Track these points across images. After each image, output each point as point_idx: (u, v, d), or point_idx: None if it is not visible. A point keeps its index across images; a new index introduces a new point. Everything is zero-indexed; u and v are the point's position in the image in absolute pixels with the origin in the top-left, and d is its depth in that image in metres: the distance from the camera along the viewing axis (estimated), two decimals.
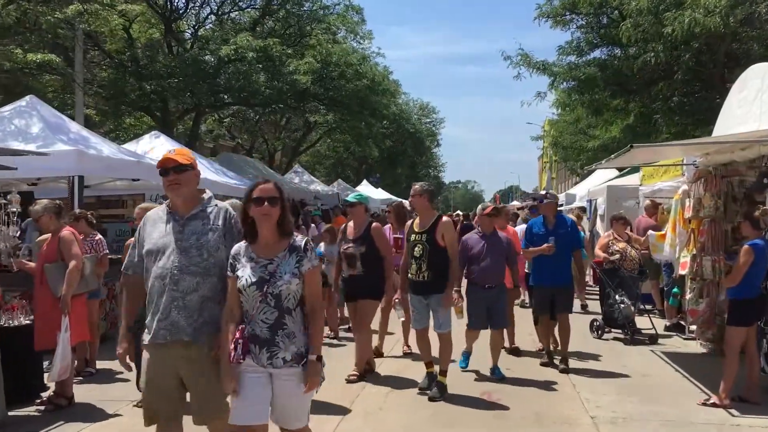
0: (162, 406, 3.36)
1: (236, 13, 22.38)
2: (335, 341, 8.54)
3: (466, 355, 7.03)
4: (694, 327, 8.12)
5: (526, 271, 7.78)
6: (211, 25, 21.60)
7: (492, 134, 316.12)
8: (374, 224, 6.73)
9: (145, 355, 3.41)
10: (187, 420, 3.44)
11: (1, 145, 7.70)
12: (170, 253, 3.31)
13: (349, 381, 6.43)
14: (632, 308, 8.48)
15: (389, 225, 8.25)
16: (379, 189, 30.94)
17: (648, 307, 9.79)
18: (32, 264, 6.30)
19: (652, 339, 8.50)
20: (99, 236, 7.18)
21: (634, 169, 12.58)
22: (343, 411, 5.56)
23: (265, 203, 3.16)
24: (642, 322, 8.82)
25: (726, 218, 7.45)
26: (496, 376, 6.65)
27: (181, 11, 20.80)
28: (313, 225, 14.48)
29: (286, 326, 3.15)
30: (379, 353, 7.50)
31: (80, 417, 5.44)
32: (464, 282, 6.66)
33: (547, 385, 6.46)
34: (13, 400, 5.58)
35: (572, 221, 7.61)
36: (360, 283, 6.50)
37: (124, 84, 17.71)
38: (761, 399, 5.75)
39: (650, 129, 16.90)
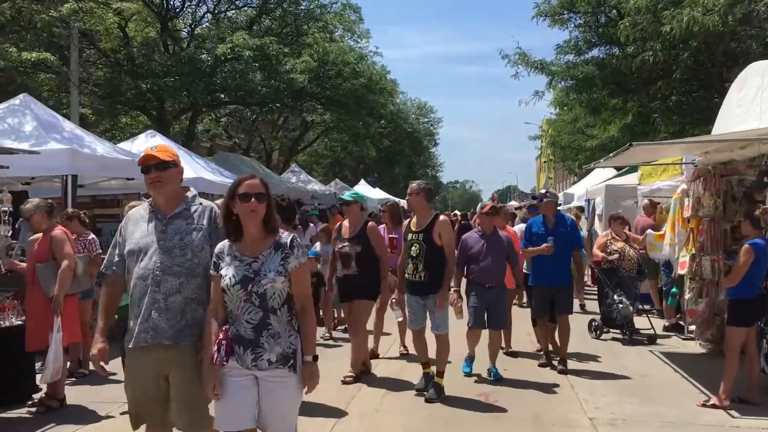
0: (147, 412, 3.27)
1: (233, 11, 22.34)
2: (331, 342, 8.47)
3: (470, 360, 6.87)
4: (693, 327, 8.08)
5: (525, 271, 7.72)
6: (207, 23, 21.56)
7: (492, 134, 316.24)
8: (370, 224, 6.66)
9: (129, 359, 3.32)
10: None
11: None
12: (152, 253, 3.22)
13: (345, 382, 6.36)
14: (631, 308, 8.42)
15: (384, 225, 8.17)
16: (377, 189, 30.90)
17: (646, 307, 9.75)
18: (23, 264, 6.24)
19: (651, 339, 8.45)
20: (92, 236, 7.12)
21: (633, 169, 12.54)
22: (338, 413, 5.50)
23: (252, 199, 3.05)
24: (640, 322, 8.76)
25: (725, 217, 7.41)
26: (494, 376, 6.59)
27: (177, 10, 20.74)
28: (312, 225, 14.41)
29: (270, 326, 3.04)
30: (374, 354, 7.43)
31: (72, 419, 5.37)
32: (464, 281, 6.60)
33: (546, 387, 6.39)
34: (4, 401, 5.53)
35: (572, 220, 7.54)
36: (355, 283, 6.42)
37: (120, 83, 17.64)
38: (761, 400, 5.70)
39: (648, 128, 16.87)
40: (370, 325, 7.00)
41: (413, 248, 5.95)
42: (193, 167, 11.95)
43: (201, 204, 3.38)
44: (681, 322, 8.97)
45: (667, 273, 9.12)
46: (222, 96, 19.93)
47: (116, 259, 3.39)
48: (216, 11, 21.60)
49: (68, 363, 6.15)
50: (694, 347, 8.10)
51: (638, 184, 11.62)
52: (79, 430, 5.15)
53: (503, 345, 7.42)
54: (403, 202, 12.32)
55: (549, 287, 6.98)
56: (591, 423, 5.33)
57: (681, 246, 8.01)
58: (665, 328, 9.13)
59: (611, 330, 8.82)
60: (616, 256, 8.60)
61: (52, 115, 9.52)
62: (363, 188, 26.54)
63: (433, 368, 6.09)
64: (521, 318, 8.48)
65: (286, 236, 3.16)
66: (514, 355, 7.69)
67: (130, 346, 3.25)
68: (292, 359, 3.05)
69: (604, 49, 17.58)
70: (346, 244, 6.47)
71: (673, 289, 8.93)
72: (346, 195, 7.00)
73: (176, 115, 21.05)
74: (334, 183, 27.49)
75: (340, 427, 5.20)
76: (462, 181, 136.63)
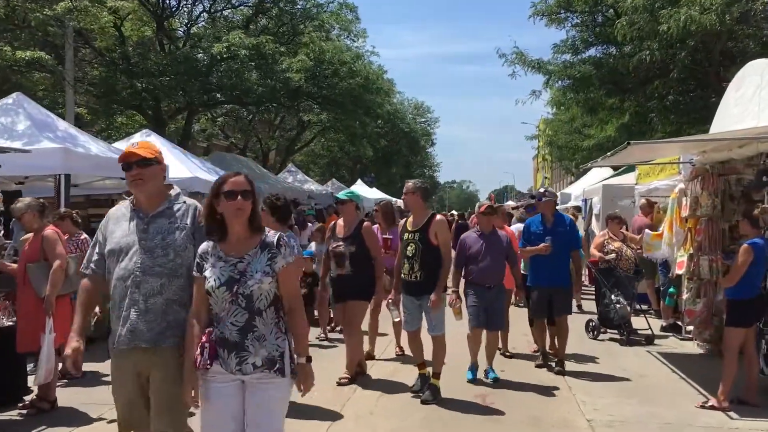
0: (132, 416, 3.19)
1: (229, 11, 22.24)
2: (326, 342, 8.41)
3: (473, 369, 6.66)
4: (690, 327, 8.04)
5: (523, 272, 7.66)
6: (203, 23, 21.45)
7: (489, 133, 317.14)
8: (365, 223, 6.59)
9: (112, 363, 3.24)
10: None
11: None
12: (133, 253, 3.13)
13: (339, 384, 6.30)
14: (628, 308, 8.38)
15: (377, 225, 8.09)
16: (374, 188, 30.85)
17: (644, 307, 9.71)
18: (13, 265, 6.15)
19: (649, 339, 8.41)
20: (84, 236, 7.05)
21: (630, 168, 12.50)
22: (333, 415, 5.44)
23: (239, 197, 2.95)
24: (638, 322, 8.73)
25: (723, 217, 7.37)
26: (490, 377, 6.54)
27: (173, 9, 20.64)
28: (309, 225, 14.36)
29: (256, 329, 2.93)
30: (370, 356, 7.37)
31: (64, 421, 5.30)
32: (462, 282, 6.54)
33: (543, 388, 6.35)
34: None
35: (571, 220, 7.48)
36: (349, 284, 6.34)
37: (116, 82, 17.52)
38: (760, 401, 5.66)
39: (645, 128, 16.83)
40: (365, 326, 6.94)
41: (409, 248, 5.89)
42: (189, 167, 11.90)
43: (185, 202, 3.28)
44: (679, 323, 8.94)
45: (665, 273, 9.09)
46: (218, 95, 19.83)
47: (95, 258, 3.29)
48: (212, 10, 21.49)
49: (60, 364, 6.07)
50: (692, 348, 8.06)
51: (635, 184, 11.59)
52: None
53: (500, 346, 7.37)
54: (399, 202, 12.27)
55: (547, 287, 6.92)
56: (589, 424, 5.28)
57: (679, 246, 7.97)
58: (663, 329, 9.09)
59: (609, 330, 8.78)
60: (613, 256, 8.57)
61: (46, 114, 9.44)
62: (360, 188, 26.46)
63: (429, 369, 6.03)
64: (520, 318, 8.43)
65: (272, 235, 3.05)
66: (511, 356, 7.64)
67: (112, 348, 3.18)
68: (278, 362, 2.94)
69: (601, 48, 17.51)
70: (341, 243, 6.39)
71: (671, 289, 8.90)
72: (341, 194, 6.92)
73: (172, 115, 20.96)
74: (330, 183, 27.42)
75: (334, 429, 5.14)
76: (459, 181, 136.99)
